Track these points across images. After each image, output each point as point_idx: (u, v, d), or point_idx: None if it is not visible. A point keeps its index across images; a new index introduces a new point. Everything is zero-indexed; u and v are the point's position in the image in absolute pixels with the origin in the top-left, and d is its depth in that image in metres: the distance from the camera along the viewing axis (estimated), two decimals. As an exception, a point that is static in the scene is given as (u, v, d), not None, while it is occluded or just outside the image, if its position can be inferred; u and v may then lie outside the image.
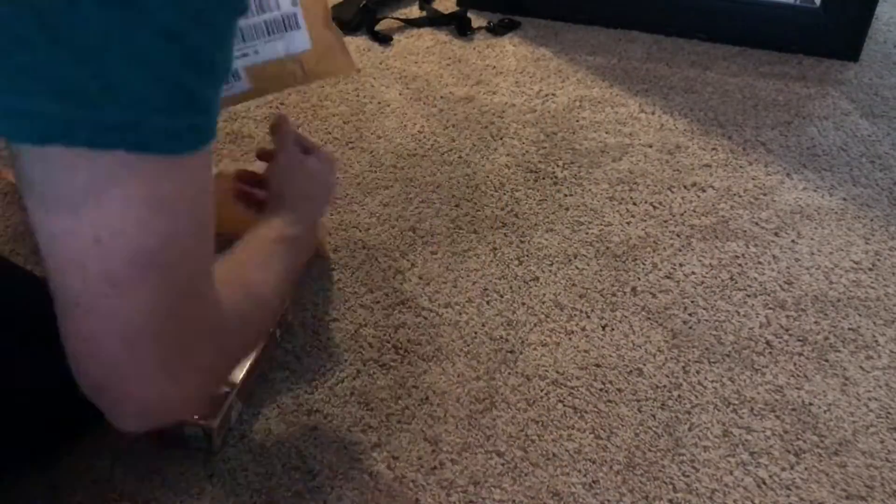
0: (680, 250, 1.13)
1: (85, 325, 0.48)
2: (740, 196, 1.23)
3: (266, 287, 0.68)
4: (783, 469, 0.86)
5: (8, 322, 0.77)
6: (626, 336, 1.01)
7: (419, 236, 1.14)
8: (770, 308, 1.05)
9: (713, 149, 1.33)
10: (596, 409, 0.92)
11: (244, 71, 0.85)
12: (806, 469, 0.86)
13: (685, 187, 1.24)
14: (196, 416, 0.83)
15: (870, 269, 1.11)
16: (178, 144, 0.48)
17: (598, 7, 1.64)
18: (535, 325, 1.01)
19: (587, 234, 1.15)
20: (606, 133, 1.35)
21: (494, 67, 1.51)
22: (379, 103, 1.40)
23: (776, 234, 1.16)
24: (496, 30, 1.62)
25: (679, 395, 0.94)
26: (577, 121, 1.38)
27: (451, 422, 0.90)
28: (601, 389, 0.94)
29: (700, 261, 1.12)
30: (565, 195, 1.22)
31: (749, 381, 0.95)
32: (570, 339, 1.00)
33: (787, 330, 1.02)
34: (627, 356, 0.98)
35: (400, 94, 1.43)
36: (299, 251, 0.78)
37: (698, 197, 1.23)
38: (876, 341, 1.01)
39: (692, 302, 1.05)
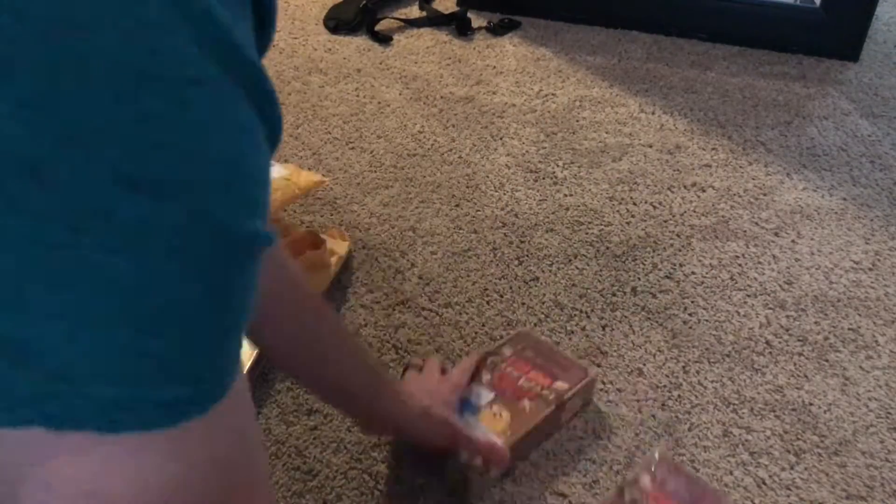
0: (680, 250, 1.13)
1: None
2: (740, 196, 1.23)
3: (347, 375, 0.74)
4: (783, 469, 0.86)
5: None
6: (626, 336, 1.01)
7: (419, 236, 1.14)
8: (770, 308, 1.05)
9: (713, 149, 1.33)
10: (596, 409, 0.92)
11: None
12: (806, 469, 0.86)
13: (685, 187, 1.24)
14: None
15: (870, 269, 1.11)
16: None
17: (599, 7, 1.64)
18: (535, 325, 1.01)
19: (587, 234, 1.15)
20: (606, 133, 1.35)
21: (494, 67, 1.51)
22: (379, 103, 1.40)
23: (776, 234, 1.16)
24: (496, 30, 1.62)
25: (679, 395, 0.94)
26: (577, 121, 1.38)
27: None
28: (601, 389, 0.94)
29: (700, 261, 1.12)
30: (565, 195, 1.22)
31: (749, 381, 0.95)
32: (570, 339, 1.00)
33: (787, 330, 1.02)
34: (627, 356, 0.98)
35: (400, 94, 1.43)
36: (386, 418, 0.79)
37: (698, 197, 1.23)
38: (876, 341, 1.01)
39: (692, 302, 1.05)
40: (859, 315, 1.04)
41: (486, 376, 0.89)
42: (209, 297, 0.36)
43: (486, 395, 0.86)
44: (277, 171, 1.07)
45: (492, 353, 0.91)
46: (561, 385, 0.87)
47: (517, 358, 0.91)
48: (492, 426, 0.82)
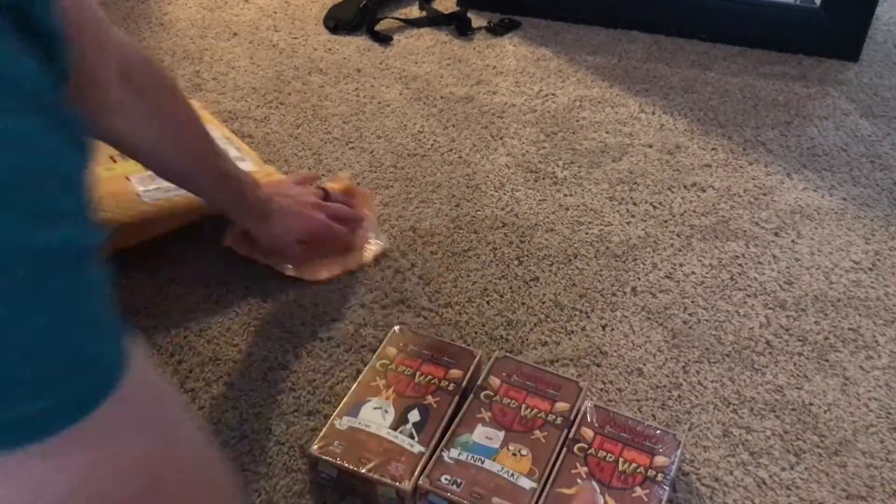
0: (680, 250, 1.13)
1: None
2: (740, 196, 1.23)
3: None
4: (783, 469, 0.86)
5: None
6: (626, 336, 1.01)
7: (419, 236, 1.14)
8: (770, 308, 1.05)
9: (713, 149, 1.33)
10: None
11: None
12: (806, 469, 0.86)
13: (685, 187, 1.24)
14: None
15: (870, 269, 1.11)
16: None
17: (599, 7, 1.64)
18: (535, 325, 1.01)
19: (587, 234, 1.15)
20: (606, 133, 1.35)
21: (494, 67, 1.51)
22: (379, 103, 1.40)
23: (776, 234, 1.16)
24: (496, 30, 1.62)
25: (679, 395, 0.94)
26: (577, 121, 1.38)
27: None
28: (601, 389, 0.94)
29: (700, 261, 1.12)
30: (565, 195, 1.22)
31: (749, 381, 0.95)
32: (570, 338, 1.00)
33: (787, 330, 1.02)
34: (627, 356, 0.98)
35: (400, 94, 1.43)
36: (237, 206, 0.97)
37: (698, 197, 1.23)
38: (876, 341, 1.01)
39: (692, 302, 1.05)
40: (859, 315, 1.04)
41: (485, 414, 0.84)
42: (16, 314, 0.35)
43: (496, 435, 0.82)
44: (245, 167, 1.07)
45: (479, 386, 0.87)
46: (562, 405, 0.85)
47: (508, 386, 0.87)
48: (517, 468, 0.79)
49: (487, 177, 1.25)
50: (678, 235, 1.16)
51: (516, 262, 1.10)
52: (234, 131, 1.32)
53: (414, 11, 1.68)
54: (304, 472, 0.84)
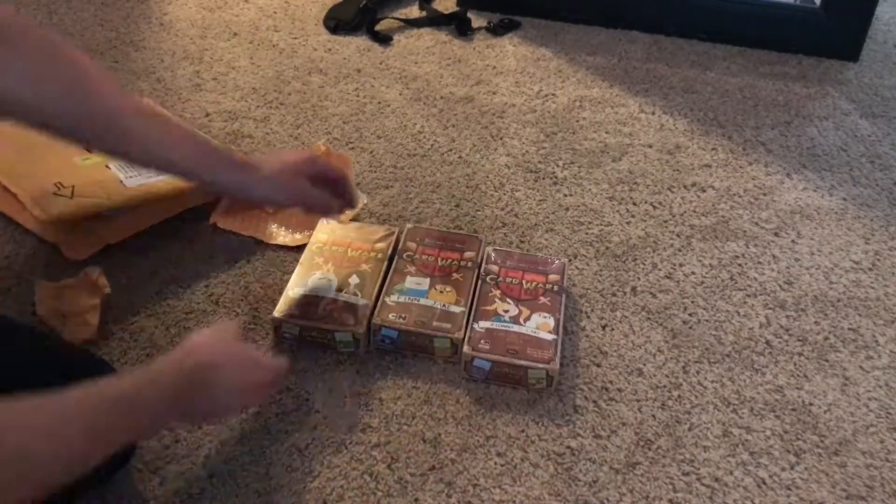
0: (680, 250, 1.13)
1: None
2: (740, 196, 1.23)
3: (46, 455, 0.57)
4: (783, 469, 0.86)
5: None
6: (626, 336, 1.01)
7: (419, 236, 1.14)
8: (770, 308, 1.05)
9: (713, 149, 1.33)
10: (596, 409, 0.92)
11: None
12: (806, 469, 0.86)
13: (685, 187, 1.24)
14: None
15: (870, 269, 1.11)
16: None
17: (599, 7, 1.64)
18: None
19: (587, 234, 1.15)
20: (606, 133, 1.35)
21: (494, 67, 1.51)
22: (379, 103, 1.40)
23: (776, 234, 1.16)
24: (496, 30, 1.62)
25: (679, 395, 0.94)
26: (577, 121, 1.38)
27: (451, 422, 0.90)
28: (602, 389, 0.94)
29: (700, 261, 1.12)
30: (565, 195, 1.22)
31: (749, 381, 0.95)
32: (570, 338, 1.00)
33: (787, 330, 1.02)
34: (627, 356, 0.98)
35: (400, 94, 1.42)
36: (139, 427, 0.70)
37: (698, 197, 1.23)
38: (876, 341, 1.01)
39: (692, 302, 1.05)
40: (859, 315, 1.04)
41: (410, 268, 1.03)
42: None
43: (423, 281, 1.01)
44: None
45: (401, 250, 1.05)
46: (470, 254, 1.05)
47: (423, 247, 1.06)
48: (447, 300, 0.98)
49: (487, 177, 1.25)
50: (678, 235, 1.16)
51: (516, 262, 1.10)
52: (234, 131, 1.32)
53: (414, 11, 1.68)
54: (304, 471, 0.84)
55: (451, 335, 0.94)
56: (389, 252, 1.05)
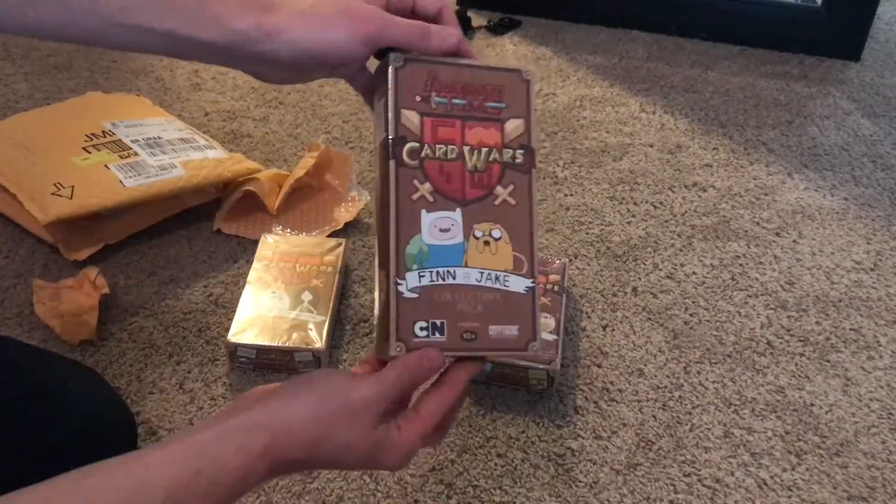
0: (681, 250, 1.13)
1: None
2: (741, 196, 1.23)
3: None
4: (784, 470, 0.86)
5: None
6: (626, 336, 1.00)
7: (419, 236, 1.14)
8: (771, 308, 1.04)
9: (714, 148, 1.32)
10: (597, 410, 0.91)
11: (180, 164, 1.10)
12: (807, 470, 0.86)
13: (686, 187, 1.24)
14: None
15: (871, 270, 1.11)
16: None
17: (599, 6, 1.63)
18: (535, 325, 1.01)
19: (588, 234, 1.15)
20: (607, 132, 1.35)
21: (495, 67, 1.51)
22: (379, 103, 1.40)
23: (777, 234, 1.16)
24: (496, 29, 1.61)
25: (680, 396, 0.93)
26: (578, 120, 1.37)
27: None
28: (602, 389, 0.93)
29: (701, 261, 1.11)
30: (566, 195, 1.22)
31: (750, 382, 0.95)
32: (570, 339, 0.99)
33: (788, 330, 1.02)
34: (628, 356, 0.98)
35: (400, 94, 1.42)
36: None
37: (699, 197, 1.22)
38: (877, 342, 1.01)
39: (693, 302, 1.05)
40: (861, 315, 1.04)
41: (417, 180, 0.56)
42: None
43: (448, 218, 0.57)
44: (215, 154, 1.15)
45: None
46: (513, 124, 0.59)
47: (433, 119, 0.57)
48: (495, 265, 0.57)
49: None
50: (679, 235, 1.15)
51: (516, 262, 1.10)
52: (234, 131, 1.31)
53: (414, 11, 1.67)
54: (304, 473, 0.84)
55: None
56: (339, 265, 1.02)
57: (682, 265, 1.11)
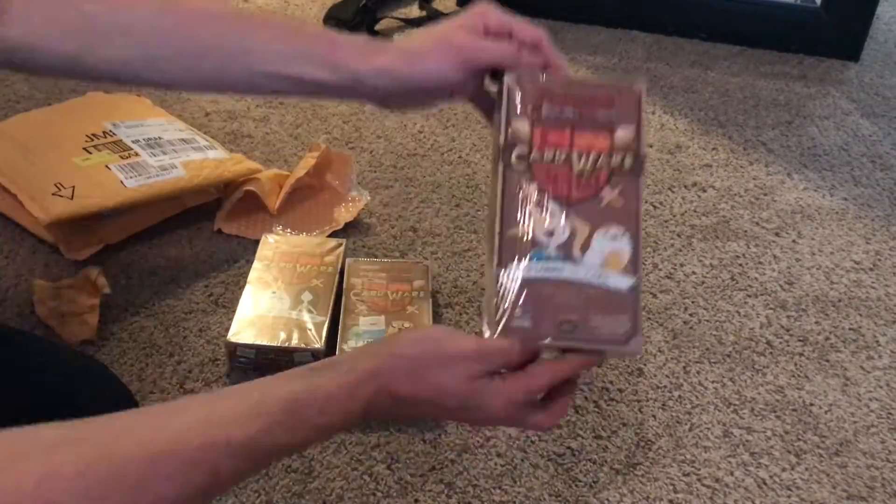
0: (680, 250, 1.13)
1: None
2: (741, 196, 1.23)
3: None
4: (784, 470, 0.86)
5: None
6: (626, 336, 1.00)
7: (419, 236, 1.14)
8: (771, 308, 1.05)
9: (714, 148, 1.32)
10: (597, 410, 0.91)
11: (181, 164, 1.10)
12: (807, 469, 0.86)
13: (686, 187, 1.24)
14: None
15: (871, 269, 1.11)
16: None
17: (599, 6, 1.63)
18: (535, 325, 1.01)
19: (587, 233, 1.15)
20: (607, 133, 1.35)
21: (494, 67, 1.51)
22: (379, 103, 1.40)
23: (777, 234, 1.16)
24: (496, 29, 1.62)
25: (680, 396, 0.93)
26: (578, 120, 1.38)
27: (450, 423, 0.89)
28: (602, 389, 0.94)
29: (701, 261, 1.11)
30: (565, 195, 1.22)
31: (750, 382, 0.95)
32: (570, 339, 1.00)
33: (787, 330, 1.02)
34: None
35: (400, 94, 1.42)
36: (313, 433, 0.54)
37: (699, 197, 1.22)
38: (877, 341, 1.01)
39: (693, 302, 1.05)
40: (860, 315, 1.04)
41: (360, 307, 0.87)
42: None
43: (377, 320, 0.80)
44: (215, 154, 1.15)
45: (346, 291, 0.97)
46: (419, 283, 0.79)
47: (369, 282, 0.81)
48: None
49: (487, 177, 1.25)
50: (679, 235, 1.15)
51: (516, 262, 1.10)
52: (234, 131, 1.31)
53: (414, 11, 1.67)
54: (304, 472, 0.84)
55: None
56: (339, 265, 1.02)
57: (681, 265, 1.11)
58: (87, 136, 1.11)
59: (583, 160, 0.59)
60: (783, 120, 1.40)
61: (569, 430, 0.89)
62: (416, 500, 0.82)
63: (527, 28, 0.66)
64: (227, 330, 0.93)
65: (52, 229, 1.03)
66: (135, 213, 1.08)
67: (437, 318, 1.01)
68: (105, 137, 1.12)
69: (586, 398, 0.93)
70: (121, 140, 1.12)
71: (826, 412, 0.92)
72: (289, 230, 1.12)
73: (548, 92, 0.60)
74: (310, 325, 0.94)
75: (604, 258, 0.58)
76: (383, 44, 0.63)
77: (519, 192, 0.58)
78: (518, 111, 0.59)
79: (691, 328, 1.02)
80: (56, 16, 0.61)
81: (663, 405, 0.92)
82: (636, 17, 1.62)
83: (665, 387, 0.94)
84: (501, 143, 0.59)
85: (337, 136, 1.32)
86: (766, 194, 1.23)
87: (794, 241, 1.15)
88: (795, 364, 0.98)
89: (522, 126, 0.59)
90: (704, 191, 1.24)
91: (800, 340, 1.00)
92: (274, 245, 1.04)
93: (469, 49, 0.61)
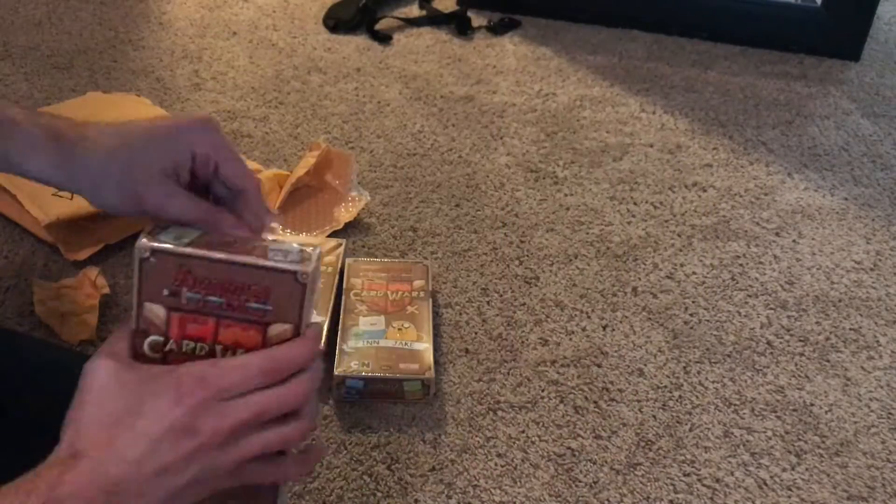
0: (681, 250, 1.13)
1: None
2: (741, 196, 1.23)
3: None
4: (784, 470, 0.86)
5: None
6: (626, 336, 1.00)
7: (419, 236, 1.14)
8: (771, 308, 1.04)
9: (714, 148, 1.32)
10: (597, 410, 0.91)
11: None
12: (807, 470, 0.86)
13: (686, 187, 1.24)
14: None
15: (871, 269, 1.11)
16: None
17: (599, 6, 1.63)
18: (535, 325, 1.01)
19: (588, 233, 1.15)
20: (607, 132, 1.35)
21: (494, 67, 1.51)
22: (379, 103, 1.40)
23: (777, 234, 1.16)
24: (496, 29, 1.61)
25: (680, 396, 0.93)
26: (578, 120, 1.38)
27: (451, 423, 0.89)
28: (602, 389, 0.94)
29: (701, 261, 1.11)
30: (566, 195, 1.22)
31: (750, 382, 0.95)
32: (570, 339, 0.99)
33: (788, 330, 1.02)
34: (628, 356, 0.98)
35: (400, 94, 1.42)
36: None
37: (699, 197, 1.22)
38: (877, 341, 1.01)
39: (693, 302, 1.05)
40: (861, 315, 1.04)
41: (360, 307, 0.96)
42: None
43: (377, 320, 0.95)
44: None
45: (346, 291, 0.99)
46: (419, 283, 0.99)
47: (369, 282, 1.00)
48: (405, 337, 0.93)
49: (487, 177, 1.25)
50: (679, 235, 1.15)
51: (516, 262, 1.10)
52: (234, 131, 1.31)
53: (414, 10, 1.67)
54: (303, 477, 0.84)
55: (421, 376, 0.89)
56: (339, 265, 1.02)
57: (682, 265, 1.11)
58: None
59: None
60: (784, 120, 1.40)
61: (569, 431, 0.89)
62: (416, 500, 0.82)
63: (237, 170, 0.56)
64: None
65: (52, 229, 1.03)
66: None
67: (437, 317, 1.01)
68: None
69: (586, 398, 0.92)
70: None
71: (826, 412, 0.92)
72: (288, 230, 1.12)
73: (190, 272, 0.49)
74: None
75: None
76: (84, 134, 0.57)
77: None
78: (152, 294, 0.49)
79: (692, 328, 1.01)
80: None
81: (663, 405, 0.92)
82: (636, 17, 1.62)
83: (665, 387, 0.94)
84: (133, 328, 0.49)
85: (337, 136, 1.32)
86: (766, 194, 1.23)
87: (794, 240, 1.15)
88: (796, 364, 0.97)
89: (158, 311, 0.49)
90: (705, 190, 1.23)
91: (800, 340, 1.00)
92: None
93: (153, 205, 0.52)
